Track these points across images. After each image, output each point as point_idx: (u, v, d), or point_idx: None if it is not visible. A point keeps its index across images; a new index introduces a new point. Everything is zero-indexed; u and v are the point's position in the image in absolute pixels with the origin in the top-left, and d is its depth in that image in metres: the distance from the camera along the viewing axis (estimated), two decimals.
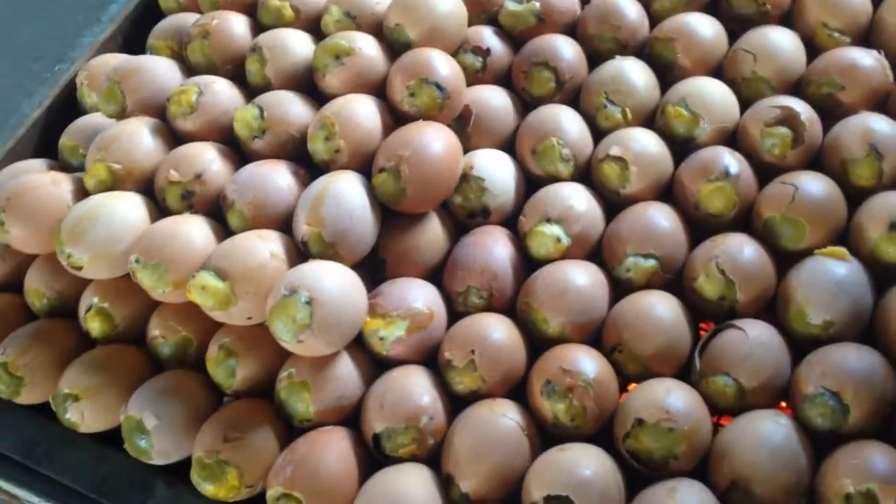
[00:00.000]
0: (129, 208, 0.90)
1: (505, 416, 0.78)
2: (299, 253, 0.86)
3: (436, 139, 0.89)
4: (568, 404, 0.78)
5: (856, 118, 0.90)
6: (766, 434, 0.74)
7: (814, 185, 0.85)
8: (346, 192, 0.86)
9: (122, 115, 1.01)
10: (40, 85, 1.20)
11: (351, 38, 0.98)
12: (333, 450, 0.79)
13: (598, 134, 0.98)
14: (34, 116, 1.14)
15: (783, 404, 0.82)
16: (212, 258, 0.82)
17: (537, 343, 0.86)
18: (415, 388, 0.81)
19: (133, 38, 1.22)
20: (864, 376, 0.75)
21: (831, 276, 0.80)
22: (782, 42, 0.97)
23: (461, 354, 0.82)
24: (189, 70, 1.07)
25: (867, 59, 0.93)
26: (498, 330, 0.83)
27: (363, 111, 0.93)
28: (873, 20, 0.99)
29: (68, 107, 1.16)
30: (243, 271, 0.81)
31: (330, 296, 0.79)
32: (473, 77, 1.03)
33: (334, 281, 0.80)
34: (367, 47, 0.98)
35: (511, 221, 0.93)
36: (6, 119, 1.17)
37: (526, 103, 1.03)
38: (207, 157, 0.93)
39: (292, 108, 0.96)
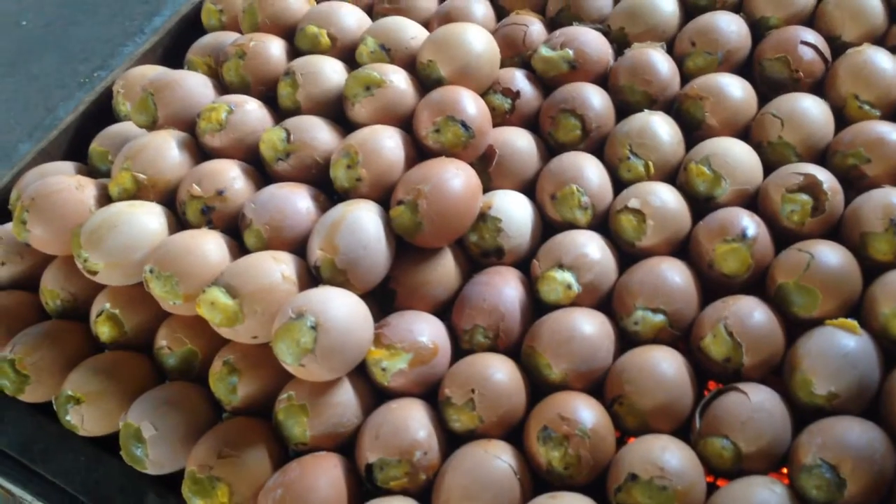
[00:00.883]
0: (149, 218, 0.91)
1: (499, 459, 0.78)
2: (311, 277, 0.87)
3: (456, 176, 0.89)
4: (563, 452, 0.78)
5: (879, 192, 0.89)
6: (760, 501, 0.73)
7: (830, 254, 0.85)
8: (362, 221, 0.86)
9: (153, 126, 1.02)
10: (78, 89, 1.22)
11: (383, 70, 0.99)
12: (325, 476, 0.79)
13: (619, 185, 0.98)
14: (68, 120, 1.17)
15: (784, 471, 0.81)
16: (224, 275, 0.83)
17: (539, 387, 0.86)
18: (412, 421, 0.81)
19: (173, 52, 1.25)
20: (864, 452, 0.74)
21: (840, 347, 0.80)
22: (811, 109, 0.97)
23: (461, 392, 0.82)
24: (223, 88, 1.09)
25: (895, 133, 0.93)
26: (500, 371, 0.83)
27: (388, 143, 0.94)
28: None
29: (103, 113, 1.19)
30: (253, 290, 0.82)
31: (336, 322, 0.79)
32: (501, 118, 1.05)
33: (342, 308, 0.81)
34: (399, 80, 0.99)
35: (525, 264, 0.94)
36: (42, 119, 1.20)
37: (551, 148, 1.04)
38: (231, 175, 0.95)
39: (319, 133, 0.98)
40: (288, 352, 0.78)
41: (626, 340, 0.88)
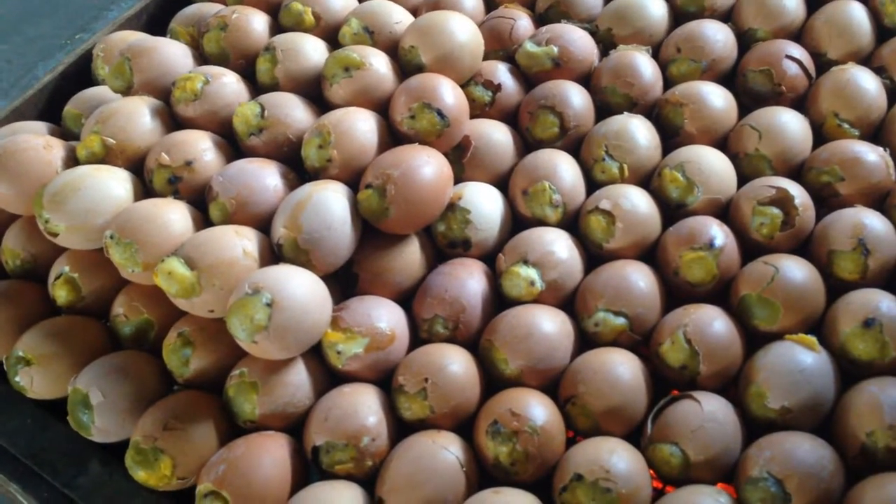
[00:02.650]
0: (114, 184, 0.90)
1: (446, 450, 0.77)
2: (273, 255, 0.86)
3: (427, 164, 0.89)
4: (511, 448, 0.77)
5: (849, 211, 0.89)
6: None
7: (795, 269, 0.85)
8: (328, 202, 0.85)
9: (127, 92, 1.01)
10: (59, 50, 1.20)
11: (364, 52, 0.99)
12: (270, 455, 0.78)
13: (593, 186, 0.97)
14: (45, 80, 1.15)
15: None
16: (184, 246, 0.82)
17: (494, 382, 0.85)
18: (362, 407, 0.80)
19: (158, 19, 1.24)
20: (811, 468, 0.73)
21: (797, 363, 0.79)
22: (790, 124, 0.97)
23: (414, 381, 0.81)
24: (203, 59, 1.07)
25: (872, 154, 0.93)
26: (455, 363, 0.82)
27: (362, 125, 0.93)
28: (886, 117, 0.99)
29: (82, 76, 1.17)
30: (212, 263, 0.81)
31: (292, 301, 0.78)
32: (481, 110, 1.04)
33: (300, 288, 0.80)
34: (379, 64, 0.99)
35: (491, 257, 0.93)
36: (19, 78, 1.18)
37: (528, 144, 1.03)
38: (201, 146, 0.93)
39: (294, 111, 0.96)
40: (241, 327, 0.77)
41: (586, 341, 0.88)
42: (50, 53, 1.20)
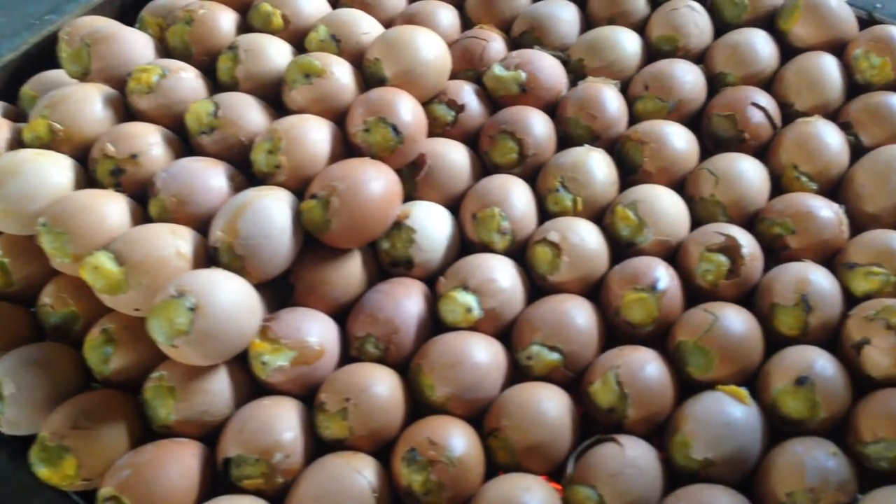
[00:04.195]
0: (55, 170, 0.88)
1: (359, 473, 0.75)
2: (208, 258, 0.84)
3: (375, 179, 0.87)
4: (425, 477, 0.75)
5: (796, 265, 0.88)
6: None
7: (735, 319, 0.83)
8: (269, 209, 0.84)
9: (83, 78, 1.00)
10: (25, 30, 1.18)
11: (327, 60, 0.97)
12: (179, 463, 0.76)
13: (545, 216, 0.96)
14: (7, 59, 1.13)
15: None
16: (115, 241, 0.80)
17: (420, 408, 0.83)
18: (279, 421, 0.78)
19: (132, 7, 1.22)
20: None
21: (725, 415, 0.78)
22: (748, 172, 0.96)
23: (336, 400, 0.79)
24: (166, 52, 1.06)
25: (826, 210, 0.92)
26: (381, 384, 0.81)
27: (314, 134, 0.91)
28: (846, 175, 0.98)
29: (45, 57, 1.15)
30: (142, 261, 0.79)
31: (218, 308, 0.76)
32: (442, 129, 1.02)
33: (228, 294, 0.78)
34: (341, 73, 0.97)
35: (434, 279, 0.91)
36: None
37: (486, 168, 1.01)
38: (149, 140, 0.92)
39: (249, 113, 0.95)
40: (160, 330, 0.75)
41: (519, 374, 0.86)
42: (16, 32, 1.17)
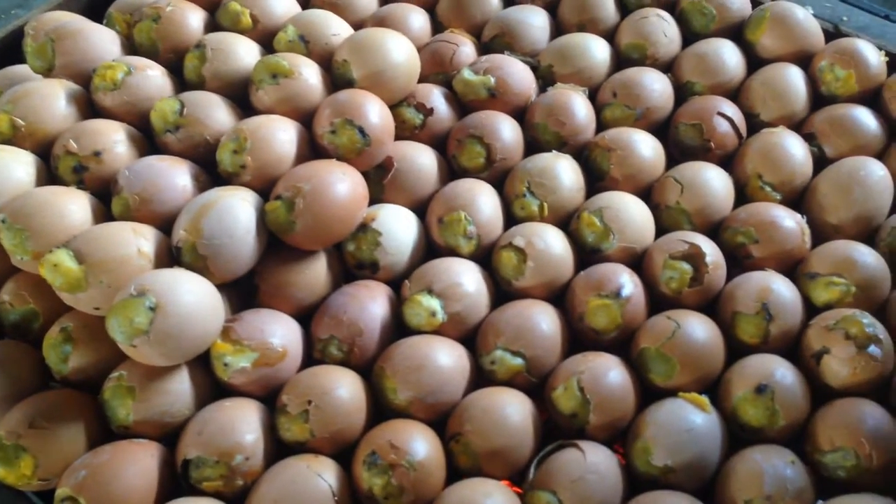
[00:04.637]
0: (16, 166, 0.87)
1: (319, 476, 0.75)
2: (171, 257, 0.83)
3: (341, 181, 0.87)
4: (385, 481, 0.75)
5: (758, 274, 0.89)
6: None
7: (697, 327, 0.84)
8: (233, 209, 0.83)
9: (47, 73, 0.99)
10: None
11: (295, 61, 0.97)
12: (137, 464, 0.75)
13: (512, 221, 0.96)
14: None
15: None
16: (76, 238, 0.79)
17: (383, 411, 0.83)
18: (240, 423, 0.78)
19: (98, 4, 1.20)
20: None
21: (685, 422, 0.78)
22: (713, 181, 0.96)
23: (297, 402, 0.79)
24: (132, 49, 1.05)
25: (789, 220, 0.93)
26: (343, 387, 0.80)
27: (281, 135, 0.91)
28: (809, 185, 0.99)
29: (11, 52, 1.13)
30: (102, 259, 0.78)
31: (178, 308, 0.76)
32: (410, 132, 1.02)
33: (189, 294, 0.77)
34: (309, 74, 0.97)
35: (399, 282, 0.91)
36: None
37: (454, 172, 1.01)
38: (113, 138, 0.91)
39: (215, 112, 0.94)
40: (119, 329, 0.74)
41: (483, 379, 0.86)
42: None
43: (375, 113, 0.93)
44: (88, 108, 0.96)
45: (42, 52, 0.98)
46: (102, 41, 1.00)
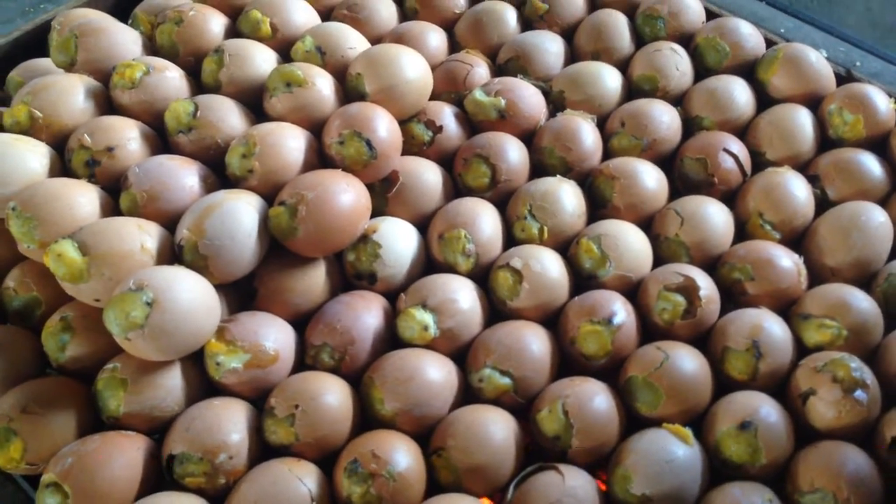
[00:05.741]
0: (31, 157, 0.89)
1: (300, 481, 0.76)
2: (173, 255, 0.85)
3: (345, 191, 0.88)
4: (365, 490, 0.76)
5: (751, 311, 0.90)
6: None
7: (685, 359, 0.85)
8: (238, 212, 0.85)
9: (69, 68, 1.01)
10: (20, 16, 1.20)
11: (310, 71, 0.99)
12: (123, 456, 0.76)
13: (512, 242, 0.98)
14: None
15: None
16: (81, 230, 0.81)
17: (370, 421, 0.84)
18: (227, 422, 0.79)
19: (127, 3, 1.23)
20: None
21: (666, 453, 0.79)
22: (714, 216, 0.97)
23: (285, 406, 0.80)
24: (153, 50, 1.07)
25: (786, 260, 0.93)
26: (331, 394, 0.81)
27: (290, 142, 0.92)
28: (810, 226, 1.00)
29: (37, 45, 1.16)
30: (105, 252, 0.80)
31: (175, 304, 0.77)
32: (419, 149, 1.04)
33: (187, 292, 0.79)
34: (322, 85, 0.99)
35: (397, 295, 0.92)
36: None
37: (458, 190, 1.03)
38: (127, 134, 0.93)
39: (228, 116, 0.96)
40: (115, 322, 0.76)
41: (470, 396, 0.87)
42: (10, 19, 1.19)
43: (384, 127, 0.94)
44: (106, 104, 0.98)
45: (66, 46, 1.00)
46: (125, 41, 1.03)
